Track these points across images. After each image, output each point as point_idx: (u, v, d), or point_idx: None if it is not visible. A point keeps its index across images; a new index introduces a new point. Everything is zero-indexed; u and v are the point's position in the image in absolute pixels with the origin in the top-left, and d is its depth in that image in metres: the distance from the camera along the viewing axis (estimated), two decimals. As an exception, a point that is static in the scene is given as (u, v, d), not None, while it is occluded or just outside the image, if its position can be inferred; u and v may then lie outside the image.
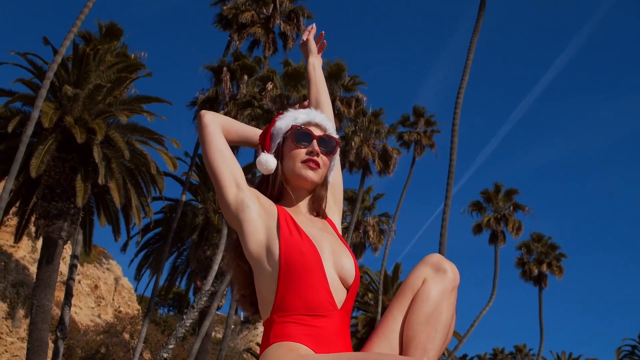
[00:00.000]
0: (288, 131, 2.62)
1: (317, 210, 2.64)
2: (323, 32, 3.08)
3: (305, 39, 3.13)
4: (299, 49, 3.17)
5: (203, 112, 2.60)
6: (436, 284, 2.37)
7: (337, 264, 2.42)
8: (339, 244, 2.51)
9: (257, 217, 2.42)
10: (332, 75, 28.59)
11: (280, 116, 2.69)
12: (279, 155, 2.62)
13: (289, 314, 2.31)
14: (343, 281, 2.43)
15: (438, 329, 2.32)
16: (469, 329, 32.00)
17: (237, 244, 2.53)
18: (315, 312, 2.31)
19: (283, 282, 2.32)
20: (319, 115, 2.71)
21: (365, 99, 30.17)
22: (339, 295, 2.39)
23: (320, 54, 3.15)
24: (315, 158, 2.58)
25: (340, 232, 2.68)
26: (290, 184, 2.61)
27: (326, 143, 2.63)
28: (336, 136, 2.69)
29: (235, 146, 2.82)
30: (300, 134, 2.61)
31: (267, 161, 2.58)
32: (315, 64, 3.08)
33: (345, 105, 28.55)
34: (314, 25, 2.94)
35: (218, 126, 2.58)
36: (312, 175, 2.58)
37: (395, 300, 2.44)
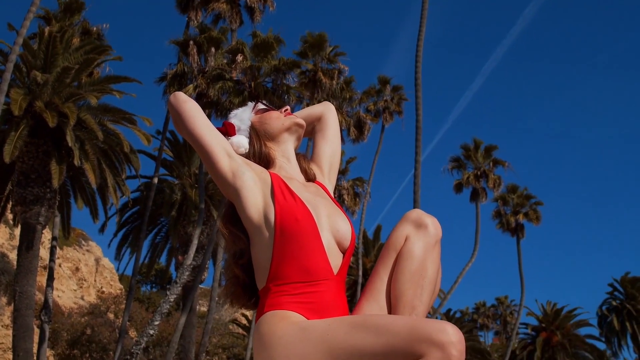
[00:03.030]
0: (254, 110, 2.75)
1: (304, 168, 2.69)
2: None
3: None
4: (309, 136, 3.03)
5: (176, 92, 2.56)
6: (418, 240, 2.36)
7: (333, 228, 2.42)
8: (334, 208, 2.50)
9: (253, 183, 2.41)
10: (314, 47, 28.51)
11: (231, 115, 2.79)
12: (255, 131, 2.67)
13: (285, 282, 2.29)
14: (339, 244, 2.42)
15: (424, 286, 2.33)
16: (453, 286, 32.30)
17: (230, 212, 2.52)
18: (311, 279, 2.30)
19: (278, 249, 2.30)
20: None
21: (347, 69, 30.18)
22: (335, 260, 2.38)
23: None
24: (290, 112, 2.72)
25: (333, 196, 2.68)
26: (279, 140, 2.67)
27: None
28: None
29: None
30: (268, 106, 2.76)
31: (239, 140, 2.62)
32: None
33: (327, 77, 28.50)
34: (287, 107, 2.85)
35: (194, 101, 2.55)
36: (300, 119, 2.72)
37: (380, 260, 2.43)
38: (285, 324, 2.18)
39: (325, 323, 2.12)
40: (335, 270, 2.37)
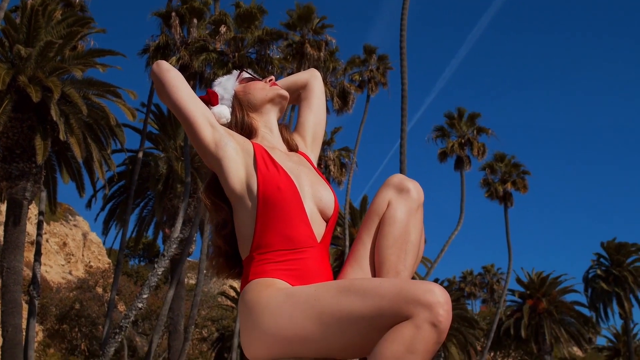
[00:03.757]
0: (238, 79, 2.74)
1: (286, 138, 2.68)
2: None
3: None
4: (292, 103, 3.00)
5: (159, 61, 2.56)
6: (401, 204, 2.36)
7: (316, 196, 2.43)
8: (317, 177, 2.51)
9: (235, 154, 2.40)
10: (302, 18, 28.39)
11: (215, 82, 2.77)
12: (238, 101, 2.66)
13: (268, 251, 2.30)
14: (322, 213, 2.43)
15: (408, 250, 2.34)
16: (439, 254, 32.34)
17: (212, 183, 2.52)
18: (295, 247, 2.30)
19: (261, 218, 2.31)
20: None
21: (334, 41, 30.12)
22: (319, 228, 2.39)
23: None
24: (274, 82, 2.72)
25: (316, 166, 2.68)
26: (262, 110, 2.67)
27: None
28: None
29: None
30: (252, 76, 2.76)
31: (221, 111, 2.61)
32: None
33: (314, 49, 28.39)
34: (272, 77, 2.81)
35: (177, 71, 2.54)
36: (284, 90, 2.71)
37: (363, 226, 2.44)
38: (271, 290, 2.19)
39: (311, 288, 2.13)
40: (319, 238, 2.38)
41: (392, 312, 1.92)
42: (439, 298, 1.89)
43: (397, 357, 1.89)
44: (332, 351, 2.08)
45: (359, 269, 2.39)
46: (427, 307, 1.87)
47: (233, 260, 2.53)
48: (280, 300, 2.13)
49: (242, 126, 2.60)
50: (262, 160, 2.39)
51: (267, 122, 2.66)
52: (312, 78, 2.93)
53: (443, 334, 1.89)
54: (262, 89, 2.67)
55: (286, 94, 2.71)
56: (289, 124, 2.79)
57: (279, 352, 2.13)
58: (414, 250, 2.36)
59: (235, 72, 2.79)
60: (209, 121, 2.44)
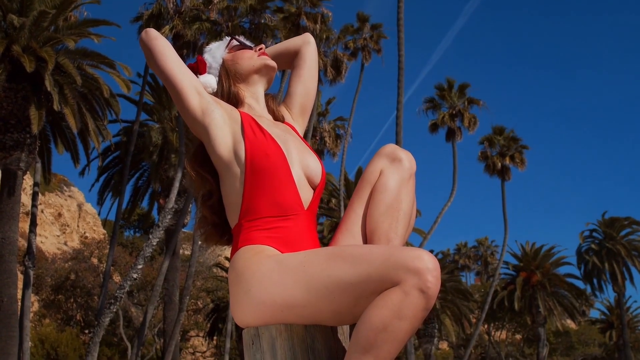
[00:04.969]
0: (228, 47, 2.72)
1: (272, 108, 2.67)
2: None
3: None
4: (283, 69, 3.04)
5: (147, 29, 2.54)
6: (393, 173, 2.38)
7: (303, 163, 2.44)
8: (304, 145, 2.52)
9: (222, 121, 2.40)
10: (298, -11, 28.36)
11: (206, 49, 2.75)
12: (225, 70, 2.65)
13: (257, 218, 2.30)
14: (309, 180, 2.44)
15: (399, 218, 2.35)
16: (433, 226, 32.44)
17: (197, 154, 2.52)
18: (282, 213, 2.31)
19: (249, 184, 2.31)
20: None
21: (330, 14, 29.95)
22: (306, 194, 2.40)
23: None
24: (264, 52, 2.70)
25: (303, 136, 2.68)
26: (248, 80, 2.66)
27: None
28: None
29: None
30: (242, 44, 2.74)
31: (207, 80, 2.60)
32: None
33: (311, 21, 28.27)
34: (262, 46, 2.79)
35: (166, 39, 2.54)
36: (272, 61, 2.68)
37: (355, 195, 2.45)
38: (260, 257, 2.20)
39: (301, 255, 2.14)
40: (306, 204, 2.39)
41: (381, 278, 1.93)
42: (428, 264, 1.89)
43: (385, 323, 1.91)
44: (322, 317, 2.09)
45: (350, 236, 2.40)
46: (415, 273, 1.88)
47: (221, 229, 2.54)
48: (270, 267, 2.14)
49: (229, 96, 2.60)
50: (249, 127, 2.39)
51: (254, 93, 2.66)
52: (305, 45, 2.90)
53: (431, 300, 1.90)
54: (249, 59, 2.66)
55: (273, 64, 2.69)
56: (278, 95, 2.79)
57: (269, 318, 2.13)
58: (405, 219, 2.37)
59: (226, 40, 2.77)
60: (196, 88, 2.44)
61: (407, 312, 1.89)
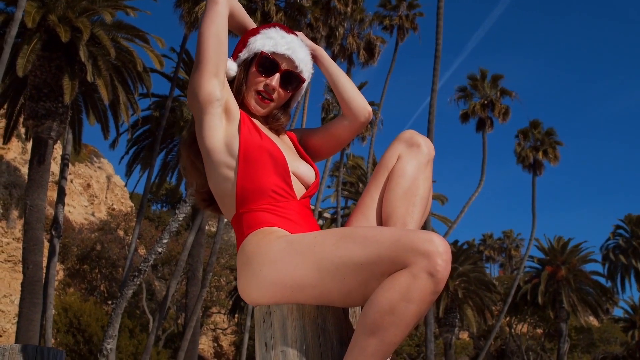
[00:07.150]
0: (257, 54, 2.53)
1: (274, 128, 2.58)
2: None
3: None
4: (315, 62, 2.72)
5: None
6: (411, 159, 2.39)
7: (293, 165, 2.42)
8: (297, 155, 2.53)
9: (221, 113, 2.36)
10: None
11: (261, 31, 2.57)
12: (244, 69, 2.55)
13: (254, 204, 2.30)
14: (301, 181, 2.44)
15: (416, 203, 2.35)
16: (459, 215, 32.35)
17: (194, 144, 2.48)
18: (277, 198, 2.31)
19: (242, 172, 2.31)
20: (296, 50, 2.55)
21: (362, -4, 29.82)
22: (299, 188, 2.41)
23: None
24: (270, 92, 2.51)
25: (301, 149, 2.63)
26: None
27: (289, 80, 2.54)
28: (305, 76, 2.58)
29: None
30: (266, 63, 2.51)
31: (230, 66, 2.52)
32: (323, 57, 2.73)
33: (341, 4, 28.13)
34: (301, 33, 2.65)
35: (227, 7, 2.47)
36: (260, 110, 2.52)
37: (372, 179, 2.46)
38: (270, 238, 2.20)
39: (311, 235, 2.13)
40: (299, 195, 2.39)
41: (391, 260, 1.92)
42: (438, 247, 1.88)
43: (392, 305, 1.90)
44: (331, 298, 2.09)
45: (364, 220, 2.41)
46: (425, 256, 1.87)
47: (218, 210, 2.55)
48: (281, 247, 2.14)
49: (236, 94, 2.52)
50: (245, 126, 2.37)
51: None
52: (364, 119, 2.68)
53: (440, 284, 1.89)
54: (251, 97, 2.53)
55: (262, 113, 2.54)
56: (287, 110, 2.67)
57: (280, 297, 2.13)
58: (422, 204, 2.37)
59: (261, 45, 2.54)
60: (217, 71, 2.38)
61: (415, 295, 1.88)
